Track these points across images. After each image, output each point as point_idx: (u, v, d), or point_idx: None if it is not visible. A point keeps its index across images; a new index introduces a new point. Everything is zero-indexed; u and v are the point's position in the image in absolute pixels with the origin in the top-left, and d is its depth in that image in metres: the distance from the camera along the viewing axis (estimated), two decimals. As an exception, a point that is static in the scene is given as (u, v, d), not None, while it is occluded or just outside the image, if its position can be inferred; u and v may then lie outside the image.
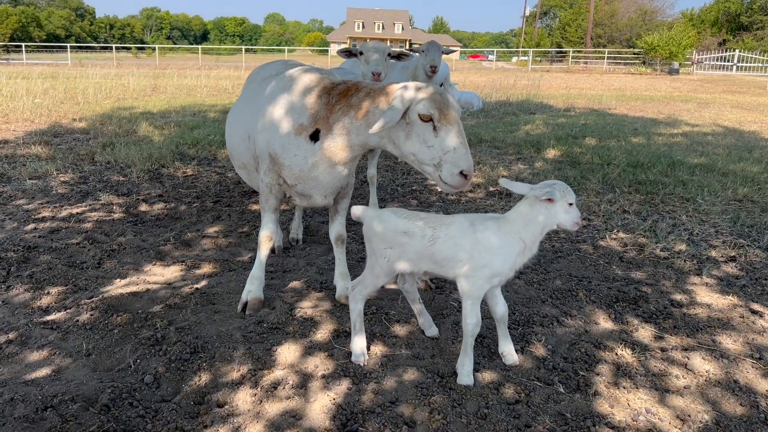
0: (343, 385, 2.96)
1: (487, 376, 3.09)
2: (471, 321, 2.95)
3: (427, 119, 3.07)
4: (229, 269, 4.48)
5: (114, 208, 5.88)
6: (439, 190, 6.20)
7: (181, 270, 4.43)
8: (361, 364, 3.13)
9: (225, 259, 4.68)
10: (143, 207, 6.01)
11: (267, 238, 3.84)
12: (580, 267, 4.71)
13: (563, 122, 13.29)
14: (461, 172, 3.03)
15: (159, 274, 4.33)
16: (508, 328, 3.28)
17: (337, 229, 3.93)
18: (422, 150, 3.12)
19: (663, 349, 3.44)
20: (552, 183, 2.92)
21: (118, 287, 4.03)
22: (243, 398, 2.81)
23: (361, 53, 5.38)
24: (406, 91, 3.14)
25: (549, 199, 2.87)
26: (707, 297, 4.18)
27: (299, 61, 6.31)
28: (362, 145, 3.39)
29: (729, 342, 3.55)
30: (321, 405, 2.79)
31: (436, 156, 3.09)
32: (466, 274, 2.93)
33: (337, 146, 3.42)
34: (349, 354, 3.24)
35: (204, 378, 2.96)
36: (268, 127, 3.57)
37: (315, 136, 3.43)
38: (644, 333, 3.63)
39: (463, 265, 2.91)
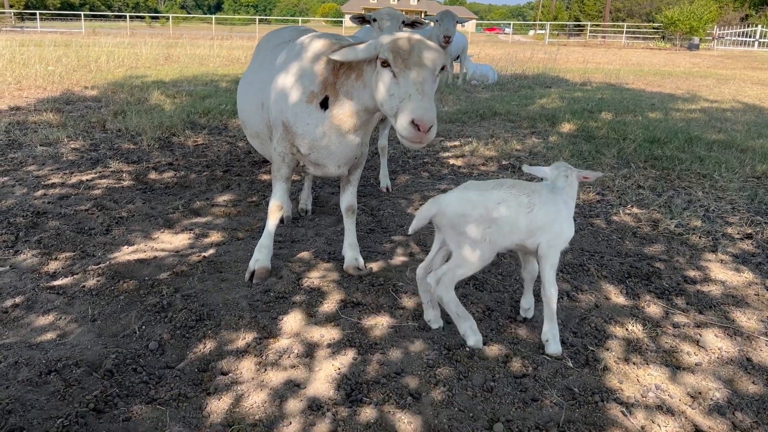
0: (349, 355, 2.93)
1: (495, 349, 3.05)
2: (555, 289, 3.01)
3: (386, 64, 2.94)
4: (237, 238, 4.45)
5: (123, 175, 5.86)
6: (404, 146, 6.03)
7: (189, 238, 4.40)
8: (479, 347, 3.01)
9: (233, 228, 4.65)
10: (153, 175, 5.98)
11: (277, 208, 3.79)
12: (592, 242, 4.64)
13: (579, 96, 13.08)
14: (412, 121, 2.78)
15: (167, 242, 4.31)
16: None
17: (348, 199, 3.87)
18: (386, 99, 2.97)
19: (675, 325, 3.38)
20: (561, 165, 3.28)
21: (125, 254, 4.02)
22: (247, 366, 2.79)
23: (374, 20, 5.27)
24: (379, 39, 3.04)
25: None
26: (722, 274, 4.10)
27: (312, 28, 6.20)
28: (366, 110, 3.28)
29: (743, 319, 3.48)
30: (325, 374, 2.76)
31: (395, 105, 2.90)
32: (550, 242, 2.96)
33: (344, 113, 3.34)
34: (356, 324, 3.21)
35: (209, 345, 2.94)
36: (280, 96, 3.50)
37: (324, 104, 3.36)
38: (656, 309, 3.57)
39: (549, 232, 2.96)
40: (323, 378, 2.73)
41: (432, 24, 8.43)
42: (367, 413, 2.50)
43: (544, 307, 3.05)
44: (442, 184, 6.13)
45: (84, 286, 3.47)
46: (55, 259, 3.89)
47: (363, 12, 5.62)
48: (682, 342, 3.21)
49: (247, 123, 4.10)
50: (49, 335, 2.94)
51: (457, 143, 8.20)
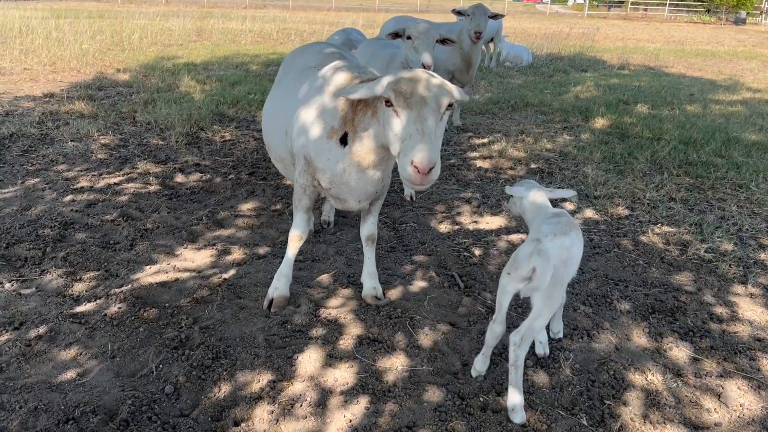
0: (362, 404, 2.94)
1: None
2: None
3: (389, 104, 2.88)
4: (258, 256, 4.47)
5: (150, 179, 5.91)
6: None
7: (212, 255, 4.43)
8: (519, 422, 2.90)
9: (255, 243, 4.67)
10: (179, 178, 6.02)
11: (297, 237, 3.78)
12: (617, 267, 4.54)
13: (616, 83, 12.75)
14: (412, 163, 2.71)
15: (189, 260, 4.35)
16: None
17: (368, 228, 3.85)
18: (390, 138, 2.92)
19: (697, 374, 3.31)
20: (525, 183, 3.50)
21: (148, 274, 4.06)
22: (260, 415, 2.82)
23: (408, 37, 5.16)
24: (385, 78, 2.97)
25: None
26: (750, 311, 4.00)
27: (357, 29, 6.11)
28: (383, 146, 3.19)
29: (768, 369, 3.39)
30: (337, 428, 2.77)
31: (398, 145, 2.85)
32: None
33: (363, 149, 3.28)
34: (370, 366, 3.21)
35: (223, 389, 2.98)
36: (302, 130, 3.46)
37: (344, 140, 3.31)
38: (679, 353, 3.49)
39: None
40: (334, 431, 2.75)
41: (462, 17, 8.23)
42: (376, 475, 2.51)
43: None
44: (467, 192, 6.06)
45: (106, 315, 3.53)
46: (80, 279, 3.96)
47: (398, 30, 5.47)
48: (703, 395, 3.14)
49: (271, 146, 4.07)
50: (70, 374, 3.00)
51: (485, 140, 8.08)
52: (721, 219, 5.51)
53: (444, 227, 5.20)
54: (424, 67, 4.97)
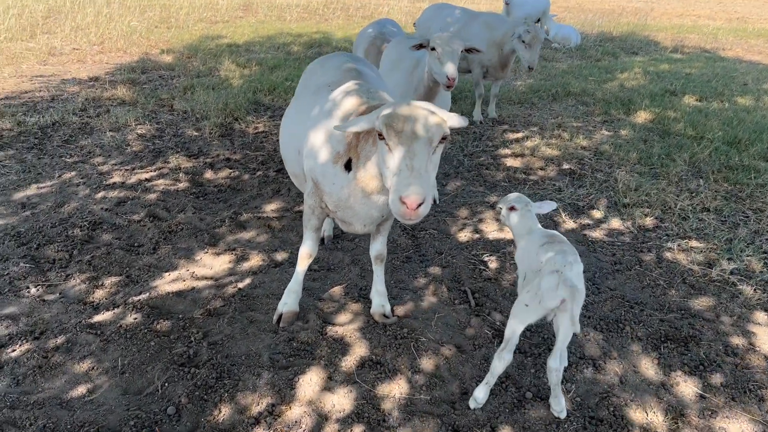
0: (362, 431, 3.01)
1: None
2: None
3: (381, 137, 2.88)
4: (275, 264, 4.55)
5: (180, 175, 6.05)
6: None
7: (230, 261, 4.54)
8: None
9: (274, 248, 4.76)
10: (208, 174, 6.15)
11: (306, 256, 3.85)
12: (636, 288, 4.47)
13: (665, 70, 12.30)
14: (401, 198, 2.72)
15: (208, 266, 4.47)
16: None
17: (377, 248, 3.88)
18: (384, 172, 2.93)
19: (701, 414, 3.27)
20: (518, 196, 3.70)
21: (166, 282, 4.20)
22: (255, 442, 2.92)
23: (432, 48, 5.06)
24: (379, 110, 2.96)
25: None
26: (767, 344, 3.89)
27: (393, 20, 6.07)
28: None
29: (776, 413, 3.31)
30: (328, 458, 2.85)
31: (389, 179, 2.87)
32: None
33: (367, 176, 3.28)
34: (369, 392, 3.27)
35: (224, 412, 3.09)
36: (311, 153, 3.50)
37: (348, 166, 3.33)
38: (685, 389, 3.44)
39: None
40: (324, 462, 2.83)
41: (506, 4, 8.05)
42: None
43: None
44: (493, 195, 6.00)
45: (121, 326, 3.68)
46: (101, 285, 4.12)
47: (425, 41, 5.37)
48: (703, 439, 3.10)
49: (287, 162, 4.12)
50: (80, 389, 3.15)
51: (519, 135, 7.96)
52: (754, 234, 5.33)
53: (464, 235, 5.18)
54: (448, 79, 4.89)
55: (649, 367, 3.62)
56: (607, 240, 5.18)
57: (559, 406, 3.16)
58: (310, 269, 4.49)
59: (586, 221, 5.52)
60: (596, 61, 13.56)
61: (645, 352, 3.75)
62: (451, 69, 4.86)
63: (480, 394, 3.22)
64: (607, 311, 4.16)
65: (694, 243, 5.15)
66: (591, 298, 4.31)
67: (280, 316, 3.84)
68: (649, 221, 5.52)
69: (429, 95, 5.24)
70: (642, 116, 8.90)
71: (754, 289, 4.45)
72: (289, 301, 3.87)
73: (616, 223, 5.51)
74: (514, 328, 3.06)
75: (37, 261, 4.36)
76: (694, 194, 6.11)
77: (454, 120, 3.02)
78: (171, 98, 8.68)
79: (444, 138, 2.92)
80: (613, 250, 5.01)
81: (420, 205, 2.73)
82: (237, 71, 10.45)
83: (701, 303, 4.30)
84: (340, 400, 3.22)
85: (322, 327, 3.81)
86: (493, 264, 4.72)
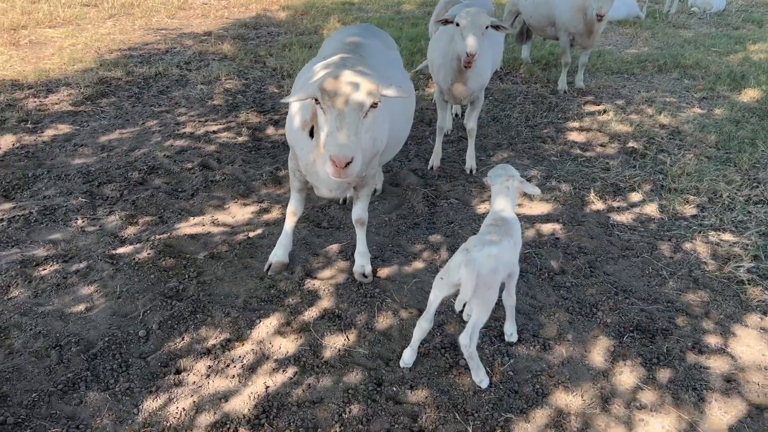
0: (287, 374, 3.38)
1: (420, 394, 3.27)
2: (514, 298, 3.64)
3: (317, 102, 3.19)
4: (292, 217, 4.95)
5: (243, 130, 6.61)
6: None
7: (253, 213, 5.02)
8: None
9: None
10: (269, 130, 6.66)
11: (291, 213, 4.22)
12: (633, 275, 4.39)
13: (806, 44, 11.05)
14: (330, 158, 3.07)
15: (231, 214, 4.98)
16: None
17: (356, 212, 4.15)
18: (321, 135, 3.23)
19: (627, 405, 3.28)
20: (504, 167, 3.70)
21: (188, 225, 4.77)
22: (198, 369, 3.38)
23: (457, 24, 5.02)
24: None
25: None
26: (746, 347, 3.73)
27: None
28: None
29: (715, 415, 3.24)
30: (252, 391, 3.25)
31: (323, 140, 3.20)
32: (516, 261, 3.47)
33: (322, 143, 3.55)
34: (316, 340, 3.62)
35: (185, 340, 3.58)
36: (289, 121, 3.84)
37: (311, 133, 3.62)
38: (626, 379, 3.45)
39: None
40: (248, 394, 3.23)
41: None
42: (257, 439, 2.97)
43: (507, 310, 3.66)
44: (535, 170, 5.98)
45: (135, 258, 4.28)
46: (135, 223, 4.77)
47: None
48: (617, 427, 3.14)
49: None
50: (80, 307, 3.79)
51: (598, 108, 7.72)
52: (803, 232, 4.94)
53: (484, 207, 5.28)
54: (467, 55, 4.90)
55: (599, 354, 3.64)
56: (630, 224, 5.05)
57: (478, 377, 3.33)
58: (317, 225, 4.87)
59: (619, 204, 5.38)
60: (734, 29, 12.46)
61: (605, 338, 3.76)
62: (470, 43, 4.84)
63: (406, 356, 3.45)
64: (587, 295, 4.16)
65: (726, 236, 4.88)
66: (579, 281, 4.31)
67: (270, 265, 4.26)
68: (688, 209, 5.28)
69: (460, 72, 5.26)
70: (749, 94, 8.22)
71: (762, 291, 4.20)
72: (278, 253, 4.28)
73: (650, 208, 5.32)
74: (431, 299, 3.27)
75: (93, 197, 5.10)
76: (757, 185, 5.70)
77: (389, 90, 3.26)
78: (267, 55, 9.29)
79: (375, 104, 3.18)
80: (630, 235, 4.89)
81: (348, 164, 3.03)
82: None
83: (695, 297, 4.16)
84: (287, 344, 3.60)
85: (302, 279, 4.19)
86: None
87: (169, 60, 8.86)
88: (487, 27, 4.96)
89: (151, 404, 3.13)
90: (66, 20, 10.92)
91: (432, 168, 5.97)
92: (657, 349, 3.68)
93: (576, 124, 7.20)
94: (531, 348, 3.66)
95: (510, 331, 3.70)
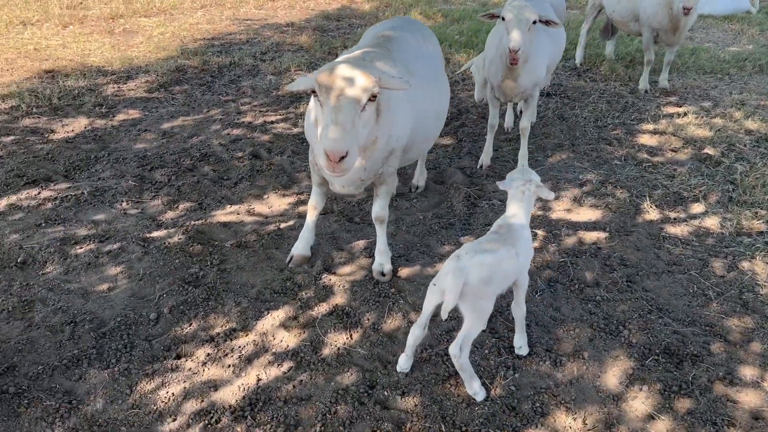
0: (281, 368, 3.37)
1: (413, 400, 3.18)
2: (524, 307, 3.46)
3: (314, 94, 3.15)
4: (328, 211, 4.94)
5: (299, 121, 6.68)
6: None
7: (289, 204, 5.06)
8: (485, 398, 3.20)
9: (334, 199, 5.13)
10: (325, 122, 6.68)
11: (311, 207, 4.21)
12: (675, 293, 4.06)
13: None
14: (324, 151, 3.02)
15: (268, 205, 5.04)
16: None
17: (376, 210, 4.07)
18: (319, 129, 3.17)
19: (633, 435, 3.04)
20: (522, 171, 3.50)
21: (224, 213, 4.87)
22: (197, 356, 3.44)
23: (503, 18, 4.83)
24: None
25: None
26: (784, 383, 3.35)
27: None
28: None
29: (723, 456, 2.93)
30: (243, 382, 3.27)
31: (319, 133, 3.15)
32: (524, 272, 3.34)
33: None
34: (318, 337, 3.59)
35: (192, 326, 3.66)
36: (307, 114, 3.82)
37: (321, 127, 3.57)
38: (638, 406, 3.19)
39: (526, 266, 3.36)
40: (238, 385, 3.25)
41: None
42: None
43: (516, 322, 3.47)
44: (591, 174, 5.66)
45: (165, 243, 4.42)
46: (175, 208, 4.93)
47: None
48: (613, 459, 2.91)
49: None
50: (104, 286, 3.95)
51: (679, 110, 7.20)
52: None
53: (528, 210, 5.06)
54: (510, 51, 4.69)
55: (614, 376, 3.38)
56: (684, 238, 4.67)
57: (471, 389, 3.18)
58: (350, 220, 4.83)
59: (677, 214, 4.99)
60: None
61: (626, 359, 3.49)
62: (514, 38, 4.62)
63: (401, 362, 3.35)
64: (617, 311, 3.88)
65: (793, 257, 4.42)
66: (612, 295, 4.04)
67: (291, 257, 4.28)
68: (756, 225, 4.82)
69: (510, 68, 5.05)
70: None
71: (822, 321, 3.76)
72: (300, 246, 4.28)
73: (711, 221, 4.90)
74: (425, 305, 3.15)
75: (143, 180, 5.32)
76: (844, 201, 5.11)
77: (392, 82, 3.17)
78: (342, 47, 9.34)
79: (374, 97, 3.10)
80: (681, 249, 4.52)
81: (342, 158, 2.98)
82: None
83: (739, 323, 3.78)
84: (289, 338, 3.59)
85: (320, 273, 4.17)
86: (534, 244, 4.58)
87: (246, 50, 9.10)
88: (534, 22, 4.72)
89: (144, 387, 3.22)
90: (161, 10, 11.47)
91: (481, 167, 5.78)
92: (682, 376, 3.38)
93: (650, 127, 6.75)
94: (541, 363, 3.46)
95: (519, 343, 3.51)
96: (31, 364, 3.31)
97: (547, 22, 4.83)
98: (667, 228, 4.81)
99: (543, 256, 4.44)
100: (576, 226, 4.83)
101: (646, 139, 6.47)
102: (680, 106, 7.36)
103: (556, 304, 3.95)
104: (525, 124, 5.62)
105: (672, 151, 6.21)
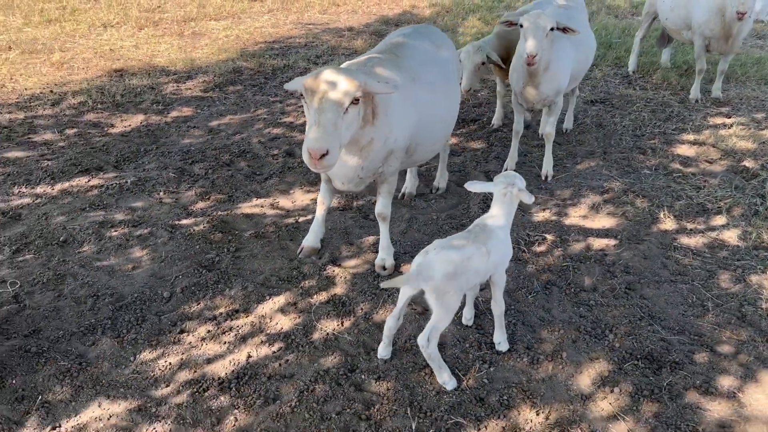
0: (272, 348, 3.64)
1: (387, 385, 3.38)
2: (503, 305, 3.58)
3: (301, 96, 3.39)
4: (343, 208, 5.21)
5: (337, 121, 6.96)
6: None
7: (311, 200, 5.34)
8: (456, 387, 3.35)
9: (359, 197, 5.37)
10: (363, 123, 6.95)
11: (320, 202, 4.47)
12: (672, 302, 4.07)
13: None
14: (307, 149, 3.24)
15: (292, 199, 5.34)
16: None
17: (378, 207, 4.27)
18: (307, 128, 3.41)
19: (591, 429, 3.12)
20: (510, 175, 3.53)
21: (248, 205, 5.21)
22: (199, 332, 3.76)
23: (521, 25, 4.95)
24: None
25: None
26: (760, 395, 3.33)
27: None
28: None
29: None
30: (234, 358, 3.56)
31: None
32: (499, 271, 3.47)
33: None
34: (309, 321, 3.85)
35: (200, 305, 3.99)
36: None
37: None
38: (602, 406, 3.26)
39: (500, 265, 3.48)
40: (230, 360, 3.54)
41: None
42: (220, 402, 3.27)
43: (495, 319, 3.59)
44: (616, 182, 5.67)
45: (191, 230, 4.79)
46: (207, 199, 5.31)
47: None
48: (567, 453, 3.01)
49: None
50: (129, 266, 4.35)
51: (724, 120, 7.06)
52: None
53: (544, 215, 5.15)
54: (527, 56, 4.80)
55: (588, 377, 3.46)
56: (696, 249, 4.64)
57: (441, 378, 3.34)
58: (365, 217, 5.06)
59: (694, 225, 4.95)
60: None
61: (609, 362, 3.55)
62: (530, 46, 4.73)
63: (380, 349, 3.55)
64: (608, 316, 3.94)
65: (808, 274, 4.32)
66: (607, 300, 4.09)
67: (302, 249, 4.55)
68: (783, 243, 4.72)
69: (531, 75, 5.16)
70: None
71: (819, 338, 3.69)
72: (310, 238, 4.55)
73: (729, 234, 4.84)
74: (399, 296, 3.34)
75: (183, 173, 5.74)
76: None
77: (377, 86, 3.38)
78: (394, 51, 9.58)
79: (357, 100, 3.33)
80: (690, 260, 4.50)
81: (323, 156, 3.23)
82: (474, 29, 10.86)
83: (731, 335, 3.76)
84: (284, 322, 3.86)
85: (326, 265, 4.42)
86: (539, 247, 4.68)
87: (302, 53, 9.50)
88: (552, 29, 4.82)
89: (146, 356, 3.57)
90: (231, 14, 12.09)
91: (506, 170, 5.88)
92: (657, 381, 3.42)
93: (690, 137, 6.64)
94: (518, 360, 3.58)
95: (499, 339, 3.64)
96: (53, 329, 3.73)
97: (564, 30, 4.91)
98: (680, 238, 4.78)
99: (546, 259, 4.53)
100: (587, 233, 4.87)
101: (683, 150, 6.37)
102: (729, 117, 7.19)
103: (547, 305, 4.04)
104: (548, 130, 5.69)
105: (707, 162, 6.10)
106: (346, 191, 4.35)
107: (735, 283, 4.25)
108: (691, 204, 5.27)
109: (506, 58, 5.85)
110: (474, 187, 3.61)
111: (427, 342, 3.21)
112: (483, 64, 5.58)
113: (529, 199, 3.48)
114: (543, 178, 5.78)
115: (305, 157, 3.30)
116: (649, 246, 4.68)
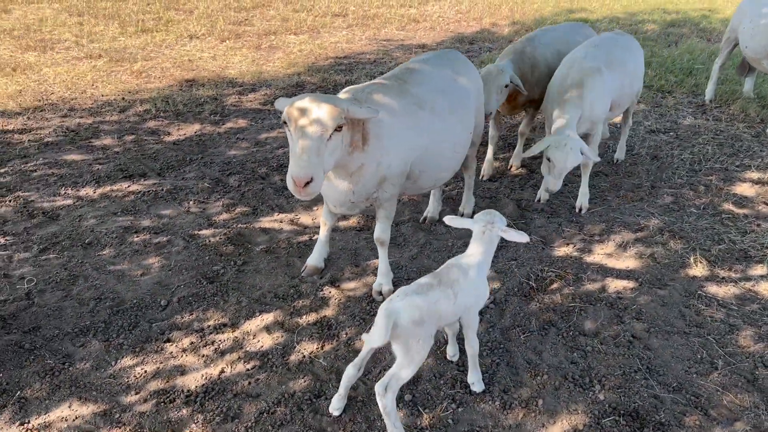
0: (246, 366, 3.68)
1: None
2: (477, 343, 3.44)
3: (285, 124, 3.39)
4: (360, 229, 5.21)
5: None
6: None
7: (333, 217, 5.37)
8: None
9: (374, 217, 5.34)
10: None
11: (322, 222, 4.50)
12: (677, 357, 3.77)
13: None
14: (291, 177, 3.26)
15: (313, 217, 5.40)
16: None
17: (376, 232, 4.22)
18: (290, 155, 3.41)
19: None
20: (490, 213, 3.43)
21: (267, 220, 5.30)
22: (182, 343, 3.86)
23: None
24: None
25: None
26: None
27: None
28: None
29: None
30: (207, 372, 3.63)
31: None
32: (469, 312, 3.34)
33: None
34: (290, 342, 3.86)
35: (193, 316, 4.10)
36: None
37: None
38: (565, 464, 3.07)
39: (470, 307, 3.34)
40: (202, 374, 3.61)
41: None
42: (181, 414, 3.34)
43: (468, 359, 3.46)
44: (654, 220, 5.33)
45: (206, 240, 4.95)
46: (232, 211, 5.46)
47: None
48: None
49: None
50: (138, 271, 4.54)
51: (796, 160, 6.47)
52: None
53: (565, 250, 4.92)
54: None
55: (561, 429, 3.26)
56: (723, 300, 4.28)
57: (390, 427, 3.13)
58: (393, 242, 4.99)
59: (728, 274, 4.57)
60: None
61: (581, 414, 3.34)
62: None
63: (334, 401, 3.34)
64: (601, 365, 3.70)
65: None
66: (606, 348, 3.85)
67: (305, 267, 4.59)
68: (819, 294, 4.27)
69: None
70: None
71: (835, 414, 3.30)
72: (314, 257, 4.58)
73: (766, 286, 4.43)
74: (363, 347, 3.26)
75: (217, 183, 5.95)
76: None
77: (360, 112, 3.37)
78: (459, 71, 9.49)
79: (340, 127, 3.32)
80: (713, 312, 4.16)
81: (308, 183, 3.25)
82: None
83: (734, 399, 3.43)
84: (266, 340, 3.90)
85: (324, 285, 4.43)
86: (550, 284, 4.48)
87: (368, 70, 9.60)
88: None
89: (127, 362, 3.71)
90: (310, 28, 12.41)
91: (539, 200, 5.68)
92: (633, 442, 3.17)
93: (755, 175, 6.14)
94: (489, 403, 3.43)
95: (473, 380, 3.51)
96: (51, 328, 3.95)
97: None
98: (708, 287, 4.42)
99: (553, 298, 4.32)
100: (606, 272, 4.61)
101: (741, 188, 5.90)
102: (805, 155, 6.59)
103: (539, 348, 3.85)
104: (585, 161, 5.43)
105: (765, 204, 5.61)
106: (339, 214, 4.36)
107: (756, 341, 3.88)
108: (732, 249, 4.86)
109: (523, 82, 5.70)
110: (453, 222, 3.49)
111: (384, 390, 3.00)
112: (506, 86, 5.43)
113: (520, 238, 3.31)
114: (577, 210, 5.53)
115: (290, 185, 3.31)
116: (670, 292, 4.36)
